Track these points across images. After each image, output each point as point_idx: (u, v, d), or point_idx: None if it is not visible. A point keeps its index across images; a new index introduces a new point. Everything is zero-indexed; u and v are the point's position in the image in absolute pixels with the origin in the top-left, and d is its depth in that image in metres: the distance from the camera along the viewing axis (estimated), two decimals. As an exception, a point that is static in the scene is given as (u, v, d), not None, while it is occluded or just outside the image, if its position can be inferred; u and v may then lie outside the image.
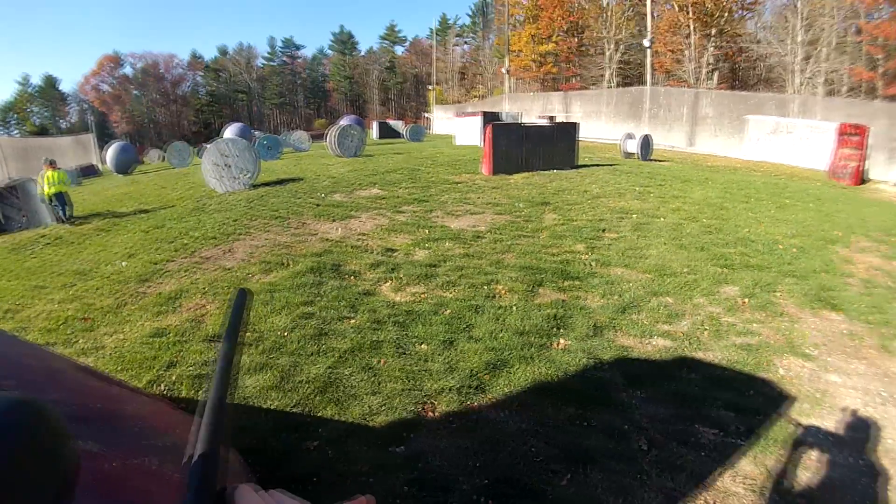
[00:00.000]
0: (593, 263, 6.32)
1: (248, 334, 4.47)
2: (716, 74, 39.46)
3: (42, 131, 69.06)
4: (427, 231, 7.86)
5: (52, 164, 11.43)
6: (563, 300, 5.29)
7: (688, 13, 37.46)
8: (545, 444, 3.04)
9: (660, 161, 19.22)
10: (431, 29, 61.13)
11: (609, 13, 47.15)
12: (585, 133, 32.41)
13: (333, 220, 8.63)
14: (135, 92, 79.23)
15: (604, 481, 2.74)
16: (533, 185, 11.87)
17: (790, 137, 21.14)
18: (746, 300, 5.39)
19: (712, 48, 38.21)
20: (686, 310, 5.13)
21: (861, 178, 16.34)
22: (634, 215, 8.77)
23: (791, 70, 32.89)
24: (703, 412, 3.42)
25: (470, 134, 25.98)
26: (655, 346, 4.39)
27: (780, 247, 7.37)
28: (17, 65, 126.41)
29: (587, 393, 3.62)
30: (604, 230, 7.78)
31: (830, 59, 30.50)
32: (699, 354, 4.26)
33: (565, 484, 2.71)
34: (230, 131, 34.40)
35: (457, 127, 27.87)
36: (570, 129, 15.78)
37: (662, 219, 8.62)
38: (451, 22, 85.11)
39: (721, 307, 5.22)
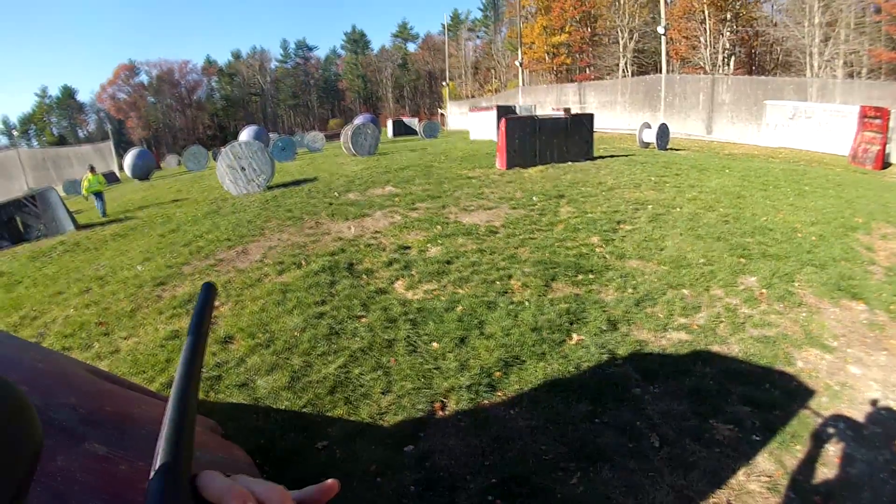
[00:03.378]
0: (608, 256, 6.24)
1: (261, 335, 4.51)
2: (732, 60, 38.67)
3: (61, 141, 70.61)
4: (441, 227, 7.82)
5: (92, 170, 14.95)
6: (578, 294, 5.24)
7: (703, -2, 36.88)
8: (555, 441, 3.01)
9: (677, 150, 18.92)
10: (443, 24, 60.84)
11: (622, 1, 46.53)
12: (601, 124, 32.17)
13: (347, 219, 8.63)
14: (150, 99, 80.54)
15: (614, 479, 2.71)
16: (548, 178, 11.77)
17: (809, 122, 20.61)
18: (765, 291, 5.28)
19: (728, 33, 37.47)
20: (703, 302, 5.04)
21: (884, 163, 15.86)
22: (650, 206, 8.64)
23: (809, 53, 32.11)
24: (718, 407, 3.35)
25: (485, 128, 25.86)
26: (671, 340, 4.33)
27: (800, 235, 7.20)
28: (37, 77, 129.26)
29: (600, 389, 3.57)
30: (619, 222, 7.66)
31: (849, 41, 29.71)
32: (715, 348, 4.18)
33: (575, 482, 2.68)
34: (245, 134, 34.72)
35: (471, 122, 27.77)
36: (585, 120, 15.59)
37: (679, 209, 8.47)
38: (462, 17, 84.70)
39: (739, 298, 5.12)
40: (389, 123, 45.81)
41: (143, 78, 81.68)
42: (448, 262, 6.28)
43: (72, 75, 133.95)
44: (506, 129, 13.27)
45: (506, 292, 5.36)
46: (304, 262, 6.47)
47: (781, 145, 21.01)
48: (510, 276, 5.73)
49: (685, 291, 5.25)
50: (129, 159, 29.13)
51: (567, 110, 30.40)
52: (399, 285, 5.68)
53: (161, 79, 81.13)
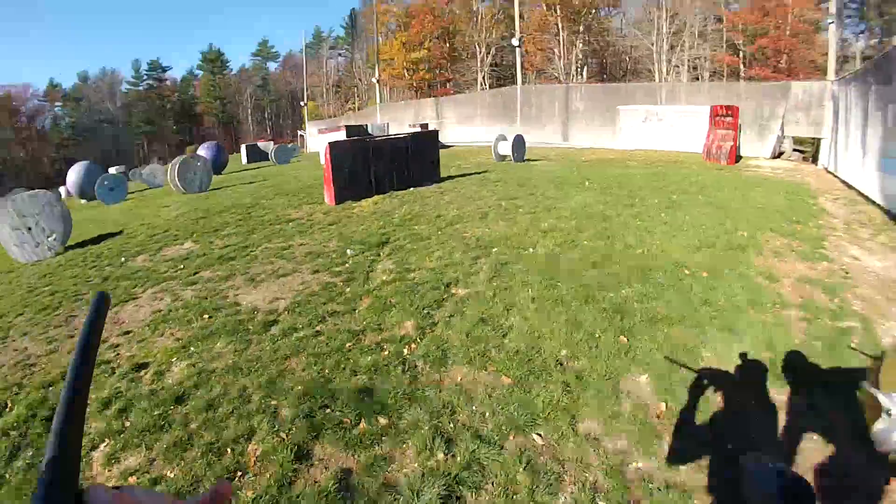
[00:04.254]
0: (420, 364, 3.82)
1: None
2: (585, 70, 39.61)
3: None
4: (207, 317, 5.09)
5: None
6: (350, 471, 2.79)
7: (556, 12, 37.19)
8: None
9: (534, 161, 17.54)
10: (303, 42, 57.44)
11: (479, 17, 46.29)
12: (460, 138, 30.92)
13: (110, 306, 5.58)
14: None
15: None
16: (379, 215, 9.37)
17: (661, 124, 20.58)
18: (664, 406, 3.19)
19: (580, 44, 38.28)
20: (566, 455, 2.81)
21: (736, 157, 15.91)
22: (496, 248, 6.48)
23: (657, 60, 33.42)
24: None
25: (336, 150, 23.29)
26: None
27: (687, 272, 5.37)
28: None
29: None
30: (450, 284, 5.35)
31: (694, 47, 31.26)
32: None
33: None
34: (73, 172, 29.05)
35: (321, 144, 25.03)
36: (430, 137, 13.52)
37: (532, 249, 6.39)
38: (325, 34, 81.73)
39: (625, 437, 2.95)
40: (243, 149, 41.68)
41: None
42: (181, 400, 3.62)
43: None
44: (331, 156, 10.70)
45: (234, 471, 2.81)
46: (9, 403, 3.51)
47: (636, 147, 20.71)
48: (251, 434, 3.16)
49: (536, 437, 2.99)
50: None
51: (424, 126, 28.71)
52: (97, 458, 2.99)
53: None
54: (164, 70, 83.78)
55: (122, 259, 8.39)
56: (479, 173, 13.97)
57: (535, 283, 5.18)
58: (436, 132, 13.76)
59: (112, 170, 47.41)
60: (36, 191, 13.25)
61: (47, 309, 6.13)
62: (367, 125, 25.41)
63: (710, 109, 17.56)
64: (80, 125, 75.25)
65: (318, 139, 24.47)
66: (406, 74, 51.75)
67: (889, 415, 2.22)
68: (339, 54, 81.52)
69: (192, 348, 4.46)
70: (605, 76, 41.61)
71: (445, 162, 16.93)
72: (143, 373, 4.13)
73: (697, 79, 31.82)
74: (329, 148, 10.81)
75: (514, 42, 28.29)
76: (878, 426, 2.26)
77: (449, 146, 28.76)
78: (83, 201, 24.63)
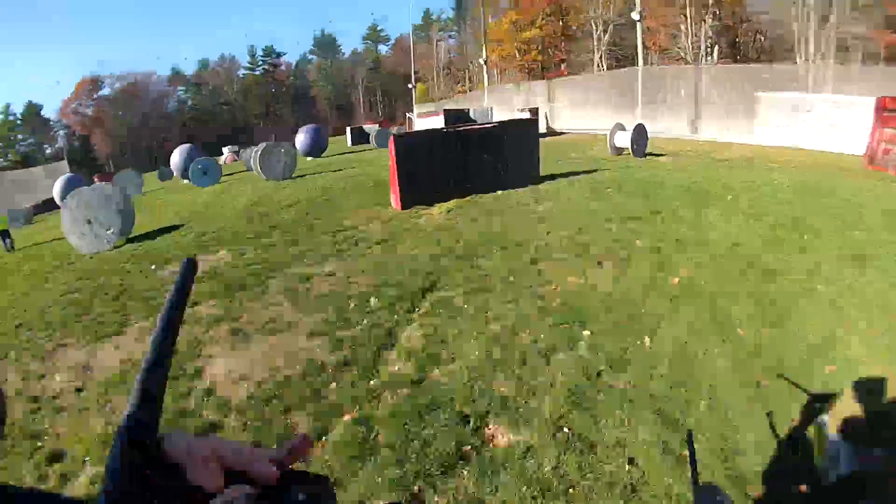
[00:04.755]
0: None
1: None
2: (715, 50, 34.31)
3: (25, 161, 65.20)
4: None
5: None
6: None
7: (682, -19, 32.56)
8: None
9: (658, 156, 14.56)
10: (412, 24, 56.69)
11: (595, -10, 42.17)
12: (574, 125, 27.66)
13: (90, 341, 4.93)
14: (119, 112, 75.48)
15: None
16: (444, 232, 7.29)
17: (809, 116, 16.43)
18: None
19: (710, 19, 33.14)
20: None
21: None
22: (589, 327, 4.06)
23: (802, 39, 27.91)
24: None
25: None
26: None
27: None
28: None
29: None
30: (488, 415, 3.10)
31: (847, 24, 25.56)
32: None
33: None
34: (176, 154, 30.13)
35: (420, 126, 23.46)
36: (527, 126, 11.12)
37: (649, 341, 3.89)
38: (434, 16, 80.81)
39: None
40: (348, 131, 41.63)
41: (107, 91, 76.76)
42: None
43: (35, 92, 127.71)
44: (396, 152, 8.79)
45: None
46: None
47: (779, 144, 16.76)
48: None
49: None
50: (57, 187, 26.18)
51: (534, 111, 26.06)
52: None
53: (126, 91, 75.95)
54: (279, 55, 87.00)
55: (153, 266, 7.78)
56: (590, 172, 11.34)
57: (651, 437, 2.83)
58: (535, 120, 11.34)
59: (225, 150, 49.75)
60: (100, 184, 13.66)
61: (68, 326, 5.35)
62: (468, 110, 23.31)
63: (875, 102, 13.17)
64: (202, 108, 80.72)
65: (419, 122, 22.77)
66: (517, 55, 48.71)
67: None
68: (449, 36, 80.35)
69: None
70: (738, 58, 35.88)
71: (552, 153, 14.56)
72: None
73: (849, 62, 25.92)
74: (394, 142, 8.89)
75: (635, 15, 24.63)
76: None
77: (560, 133, 25.97)
78: (186, 181, 25.23)
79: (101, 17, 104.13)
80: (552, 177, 11.00)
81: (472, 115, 22.23)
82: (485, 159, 9.85)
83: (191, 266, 0.53)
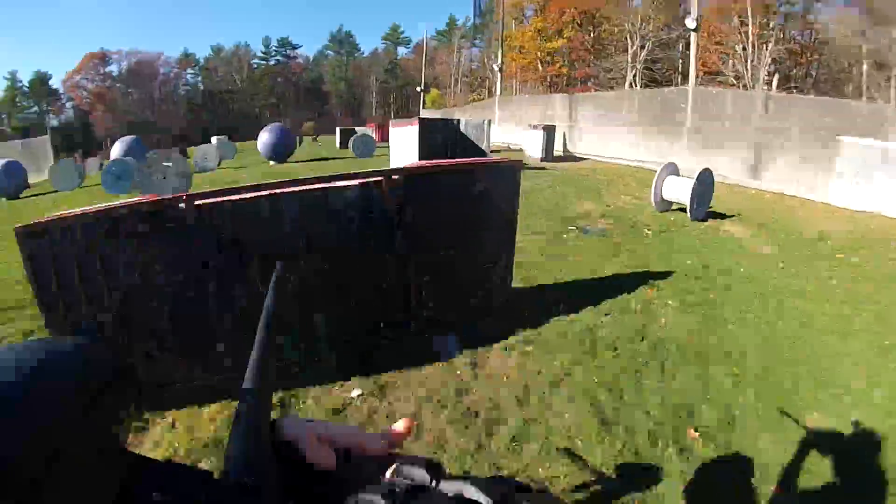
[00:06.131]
0: None
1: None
2: (775, 78, 29.08)
3: (25, 132, 61.46)
4: None
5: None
6: None
7: (742, -5, 27.27)
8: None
9: (721, 217, 9.37)
10: (430, 30, 52.39)
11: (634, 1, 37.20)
12: (598, 150, 21.96)
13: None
14: (127, 90, 72.00)
15: None
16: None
17: (903, 173, 11.20)
18: None
19: (773, 42, 27.94)
20: None
21: None
22: None
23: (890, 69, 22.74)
24: None
25: (407, 149, 16.48)
26: None
27: None
28: (5, 62, 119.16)
29: None
30: None
31: None
32: None
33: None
34: (118, 146, 25.32)
35: (393, 140, 18.35)
36: (501, 174, 5.51)
37: None
38: (459, 23, 77.29)
39: None
40: (338, 132, 36.72)
41: (114, 68, 73.06)
42: None
43: (44, 61, 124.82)
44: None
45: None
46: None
47: (862, 208, 11.31)
48: None
49: None
50: None
51: (550, 128, 20.86)
52: None
53: (133, 70, 72.21)
54: (294, 48, 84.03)
55: None
56: (621, 293, 5.36)
57: None
58: (514, 168, 5.43)
59: (213, 139, 44.80)
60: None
61: None
62: (457, 120, 18.04)
63: None
64: (209, 94, 76.72)
65: (395, 133, 17.73)
66: (539, 67, 43.85)
67: None
68: (472, 43, 76.52)
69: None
70: (799, 88, 30.65)
71: (558, 201, 9.48)
72: None
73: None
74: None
75: (690, 23, 19.22)
76: None
77: (579, 158, 20.72)
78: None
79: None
80: (538, 293, 5.52)
81: (462, 127, 16.97)
82: (354, 284, 4.27)
83: (283, 271, 0.58)
